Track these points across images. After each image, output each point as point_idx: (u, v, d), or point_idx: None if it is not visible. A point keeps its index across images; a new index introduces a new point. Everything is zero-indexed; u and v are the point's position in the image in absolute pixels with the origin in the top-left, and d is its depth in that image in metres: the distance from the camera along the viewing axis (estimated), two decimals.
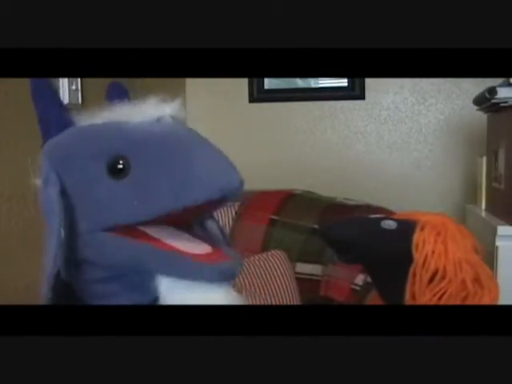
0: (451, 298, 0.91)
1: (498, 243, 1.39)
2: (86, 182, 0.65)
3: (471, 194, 1.93)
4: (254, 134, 2.16)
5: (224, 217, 1.65)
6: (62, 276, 0.67)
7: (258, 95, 2.14)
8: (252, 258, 1.51)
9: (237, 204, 1.68)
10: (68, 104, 1.41)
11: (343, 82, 2.09)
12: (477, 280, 0.94)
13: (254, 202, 1.68)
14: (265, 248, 1.59)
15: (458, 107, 2.03)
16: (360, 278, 1.45)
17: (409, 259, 0.92)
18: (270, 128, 2.15)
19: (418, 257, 0.92)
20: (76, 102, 1.46)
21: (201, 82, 2.15)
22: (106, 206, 0.64)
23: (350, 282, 1.47)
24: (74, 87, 1.45)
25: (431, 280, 0.92)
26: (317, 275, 1.55)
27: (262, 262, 1.50)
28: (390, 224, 0.96)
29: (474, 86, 1.96)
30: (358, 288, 1.45)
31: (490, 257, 1.37)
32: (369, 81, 2.07)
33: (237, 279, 1.37)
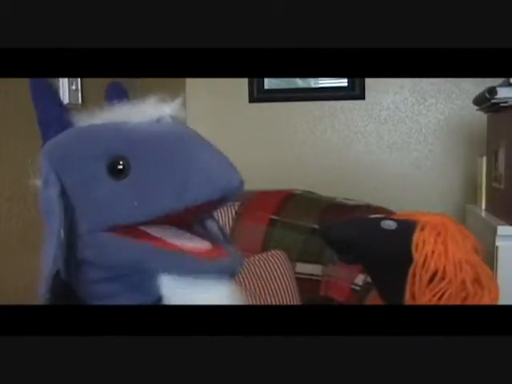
0: (451, 298, 0.91)
1: (497, 243, 1.39)
2: (85, 183, 0.65)
3: (471, 194, 1.93)
4: (254, 134, 2.16)
5: (224, 217, 1.65)
6: (61, 276, 0.67)
7: (258, 95, 2.14)
8: (252, 258, 1.51)
9: (237, 204, 1.68)
10: (68, 104, 1.41)
11: (343, 82, 2.09)
12: (477, 280, 0.94)
13: (254, 202, 1.68)
14: (265, 248, 1.59)
15: (457, 107, 2.03)
16: (360, 278, 1.45)
17: (409, 259, 0.92)
18: (270, 128, 2.15)
19: (417, 257, 0.92)
20: (76, 102, 1.46)
21: (201, 81, 2.15)
22: (106, 207, 0.64)
23: (350, 282, 1.47)
24: (74, 87, 1.45)
25: (431, 280, 0.92)
26: (317, 275, 1.55)
27: (261, 262, 1.50)
28: (389, 224, 0.96)
29: (474, 86, 1.96)
30: (357, 288, 1.45)
31: (489, 257, 1.37)
32: (369, 81, 2.07)
33: (237, 279, 1.37)
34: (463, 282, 0.92)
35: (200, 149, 0.62)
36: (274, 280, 1.47)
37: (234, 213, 1.67)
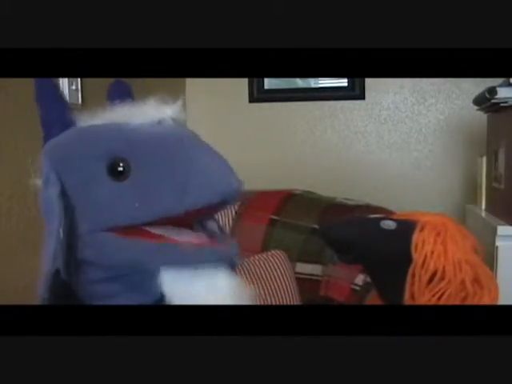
0: (450, 298, 0.91)
1: (497, 243, 1.39)
2: (86, 183, 0.65)
3: (471, 194, 1.93)
4: (253, 134, 2.16)
5: (224, 217, 1.65)
6: (61, 276, 0.67)
7: (258, 95, 2.14)
8: (252, 257, 1.51)
9: (237, 204, 1.68)
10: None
11: (343, 82, 2.09)
12: (476, 280, 0.94)
13: (254, 202, 1.68)
14: (265, 248, 1.59)
15: (457, 107, 2.03)
16: (360, 278, 1.45)
17: (408, 259, 0.92)
18: (270, 128, 2.15)
19: (417, 257, 0.92)
20: (76, 102, 1.46)
21: (201, 82, 2.15)
22: (106, 207, 0.64)
23: (350, 282, 1.47)
24: (74, 87, 1.45)
25: (430, 280, 0.92)
26: (317, 275, 1.55)
27: (262, 262, 1.50)
28: (389, 224, 0.96)
29: (474, 86, 1.96)
30: (357, 288, 1.45)
31: (489, 257, 1.37)
32: (369, 81, 2.07)
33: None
34: (463, 282, 0.92)
35: (200, 151, 0.63)
36: (274, 280, 1.47)
37: (234, 213, 1.67)
